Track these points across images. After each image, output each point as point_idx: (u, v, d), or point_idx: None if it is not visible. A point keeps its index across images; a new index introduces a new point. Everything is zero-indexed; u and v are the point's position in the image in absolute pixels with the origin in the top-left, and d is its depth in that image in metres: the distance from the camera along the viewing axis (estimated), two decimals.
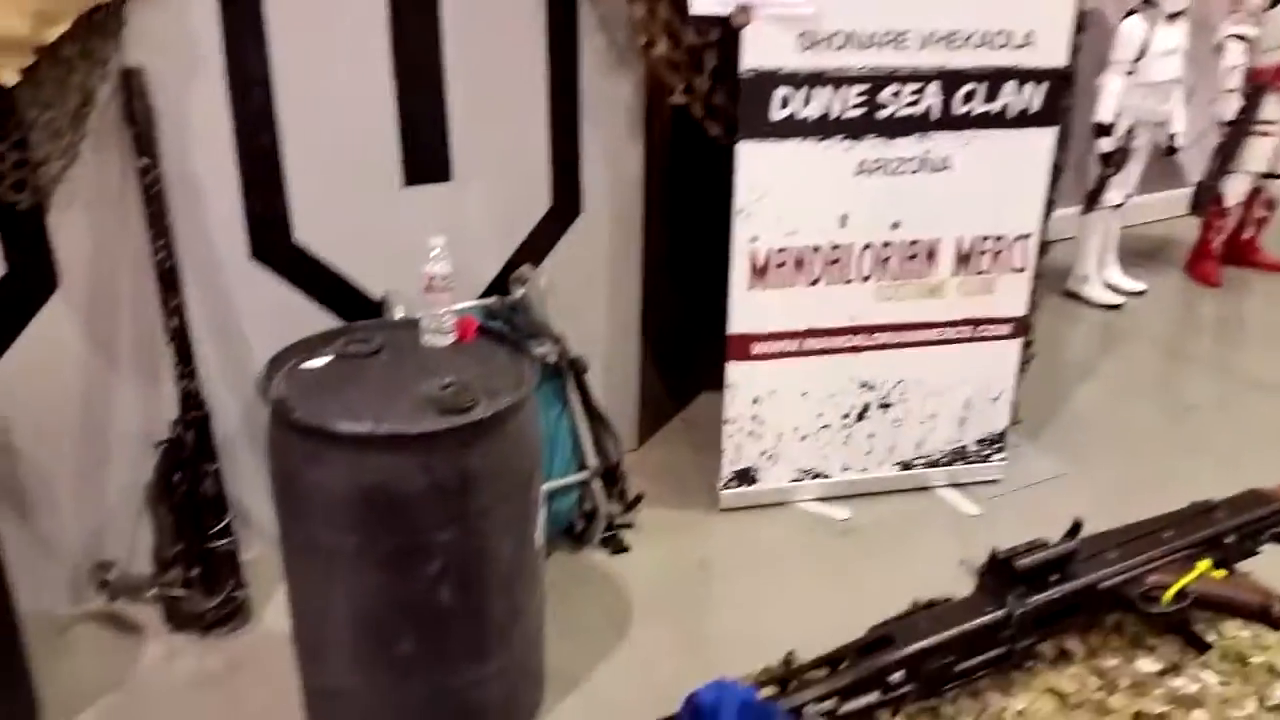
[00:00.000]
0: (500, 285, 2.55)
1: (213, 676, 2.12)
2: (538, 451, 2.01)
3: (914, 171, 2.52)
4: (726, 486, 2.71)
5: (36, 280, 2.06)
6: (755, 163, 2.41)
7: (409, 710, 1.77)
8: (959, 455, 2.82)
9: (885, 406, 2.72)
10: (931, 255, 2.60)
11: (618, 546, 2.55)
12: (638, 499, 2.67)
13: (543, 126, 2.52)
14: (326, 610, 1.80)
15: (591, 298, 2.76)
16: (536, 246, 2.63)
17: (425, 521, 1.73)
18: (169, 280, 2.09)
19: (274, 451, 1.80)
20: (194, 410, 2.17)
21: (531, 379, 1.89)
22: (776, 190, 2.45)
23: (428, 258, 1.93)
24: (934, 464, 2.81)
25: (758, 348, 2.58)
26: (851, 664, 1.18)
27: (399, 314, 2.32)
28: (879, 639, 1.21)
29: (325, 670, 1.86)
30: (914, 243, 2.58)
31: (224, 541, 2.20)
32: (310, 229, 2.32)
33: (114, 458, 2.25)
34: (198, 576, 2.19)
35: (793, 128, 2.40)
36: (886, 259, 2.58)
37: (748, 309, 2.53)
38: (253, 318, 2.30)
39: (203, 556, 2.19)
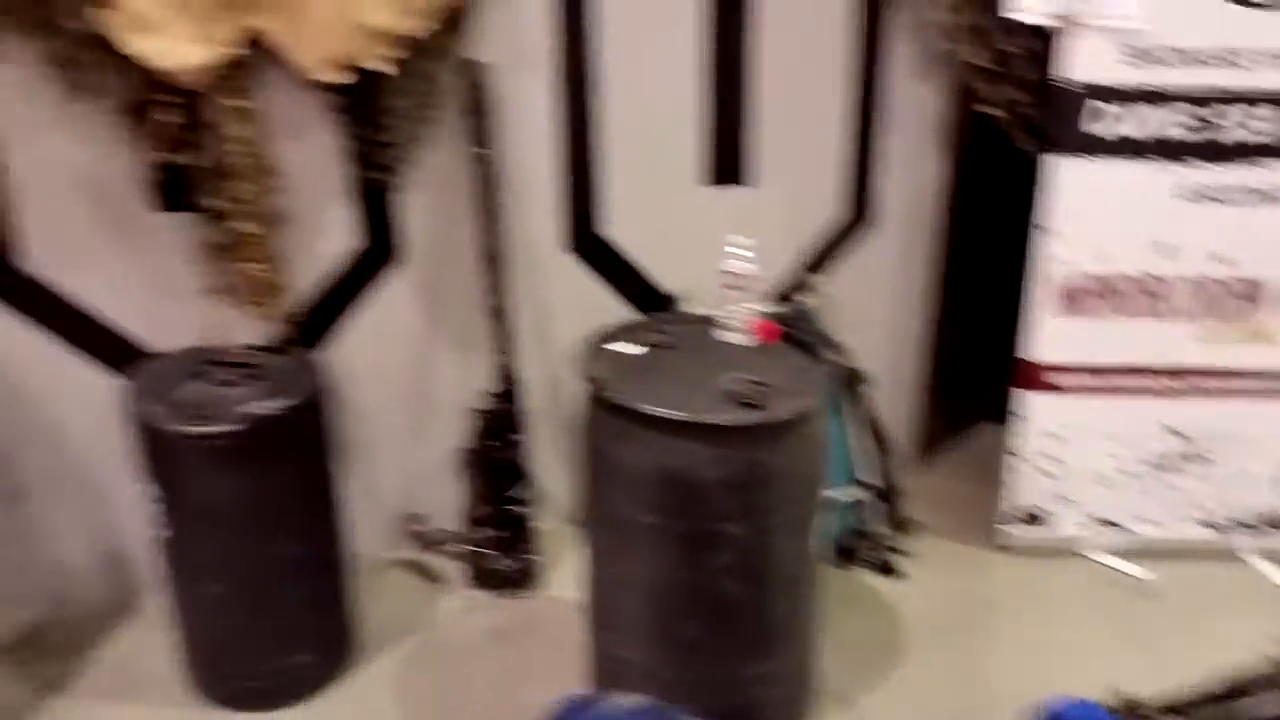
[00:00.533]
0: (785, 290, 2.57)
1: (505, 633, 2.27)
2: (825, 458, 2.01)
3: (1248, 203, 2.31)
4: (1010, 525, 2.58)
5: (384, 253, 2.29)
6: (1066, 180, 2.29)
7: (691, 691, 1.81)
8: (1276, 523, 2.55)
9: (1196, 459, 2.49)
10: (1263, 296, 2.37)
11: (890, 570, 2.49)
12: (911, 524, 2.60)
13: (839, 133, 2.52)
14: (621, 582, 1.89)
15: (875, 311, 2.72)
16: (824, 254, 2.62)
17: (717, 511, 1.78)
18: (494, 263, 2.26)
19: (587, 427, 1.90)
20: (507, 384, 2.33)
21: (825, 385, 1.90)
22: (1088, 211, 2.32)
23: (730, 256, 1.98)
24: (1247, 529, 2.56)
25: (1055, 379, 2.44)
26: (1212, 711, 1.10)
27: (693, 309, 2.39)
28: (1233, 689, 1.11)
29: (615, 639, 1.94)
30: (1243, 281, 2.37)
31: (523, 508, 2.35)
32: (614, 223, 2.44)
33: (433, 420, 2.46)
34: (498, 539, 2.35)
35: (1111, 146, 2.26)
36: (1210, 296, 2.37)
37: (1046, 336, 2.41)
38: (560, 302, 2.45)
39: (504, 520, 2.35)
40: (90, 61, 1.87)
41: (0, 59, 1.89)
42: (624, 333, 2.05)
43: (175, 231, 2.12)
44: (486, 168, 2.21)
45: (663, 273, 2.51)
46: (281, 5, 1.92)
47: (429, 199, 2.27)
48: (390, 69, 2.02)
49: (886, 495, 2.55)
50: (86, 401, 2.18)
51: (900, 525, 2.59)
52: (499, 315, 2.30)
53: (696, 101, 2.37)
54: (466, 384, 2.43)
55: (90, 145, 2.01)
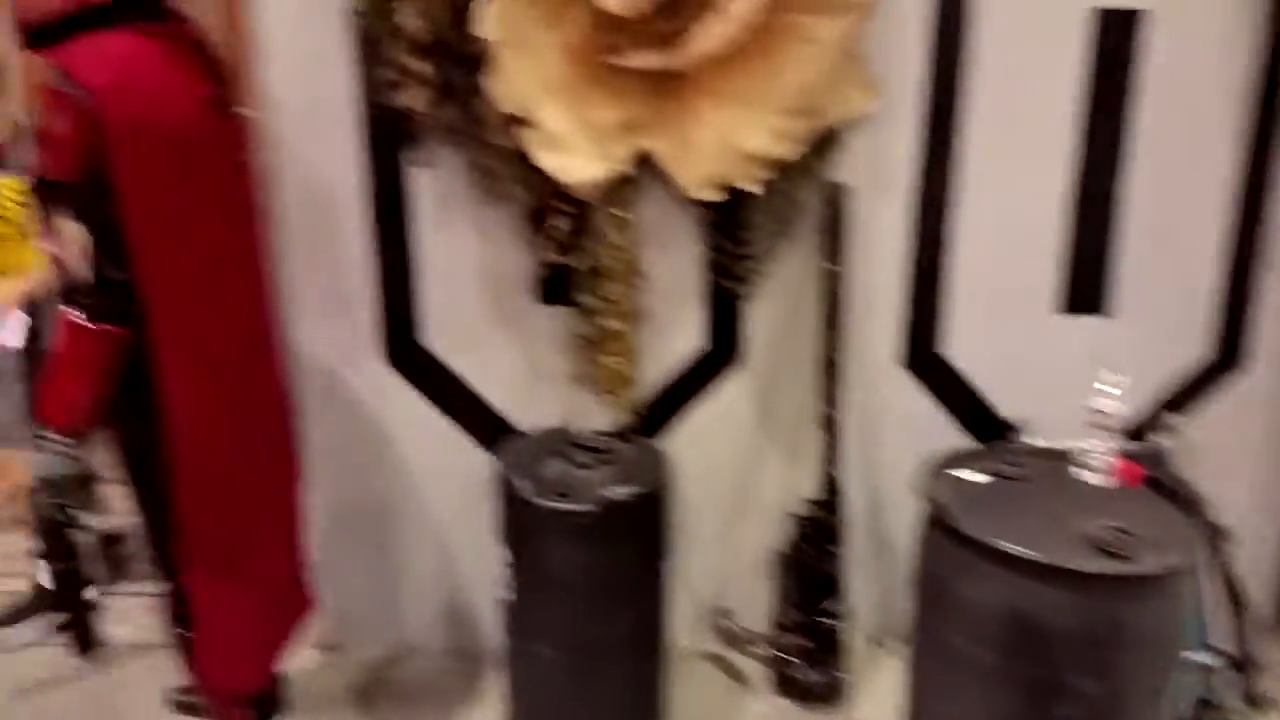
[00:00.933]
0: (1140, 429, 2.41)
1: None
2: (1187, 620, 1.85)
3: None
4: None
5: (725, 356, 2.41)
6: None
7: None
8: None
9: None
10: None
11: None
12: (1267, 701, 2.32)
13: (1212, 265, 2.36)
14: (948, 717, 1.82)
15: (1239, 461, 2.48)
16: (1184, 395, 2.44)
17: (1068, 662, 1.68)
18: (831, 373, 2.31)
19: (926, 552, 1.88)
20: (830, 494, 2.35)
21: (1196, 539, 1.76)
22: None
23: (1099, 393, 1.90)
24: None
25: None
26: None
27: (1038, 441, 2.30)
28: None
29: None
30: None
31: (835, 622, 2.34)
32: (955, 343, 2.41)
33: (751, 520, 2.52)
34: (806, 648, 2.35)
35: None
36: None
37: None
38: (890, 418, 2.45)
39: (813, 630, 2.35)
40: (505, 173, 2.14)
41: (431, 165, 2.20)
42: (969, 459, 2.01)
43: (550, 323, 2.34)
44: (835, 282, 2.27)
45: (1002, 399, 2.44)
46: (672, 131, 2.10)
47: (775, 308, 2.37)
48: (758, 188, 2.14)
49: (1241, 665, 2.29)
50: (456, 466, 2.43)
51: (1254, 701, 2.31)
52: (829, 425, 2.33)
53: (1058, 226, 2.32)
54: (788, 488, 2.47)
55: (491, 242, 2.28)
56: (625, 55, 2.06)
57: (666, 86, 2.09)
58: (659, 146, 2.13)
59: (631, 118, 2.10)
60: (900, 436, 2.44)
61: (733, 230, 2.25)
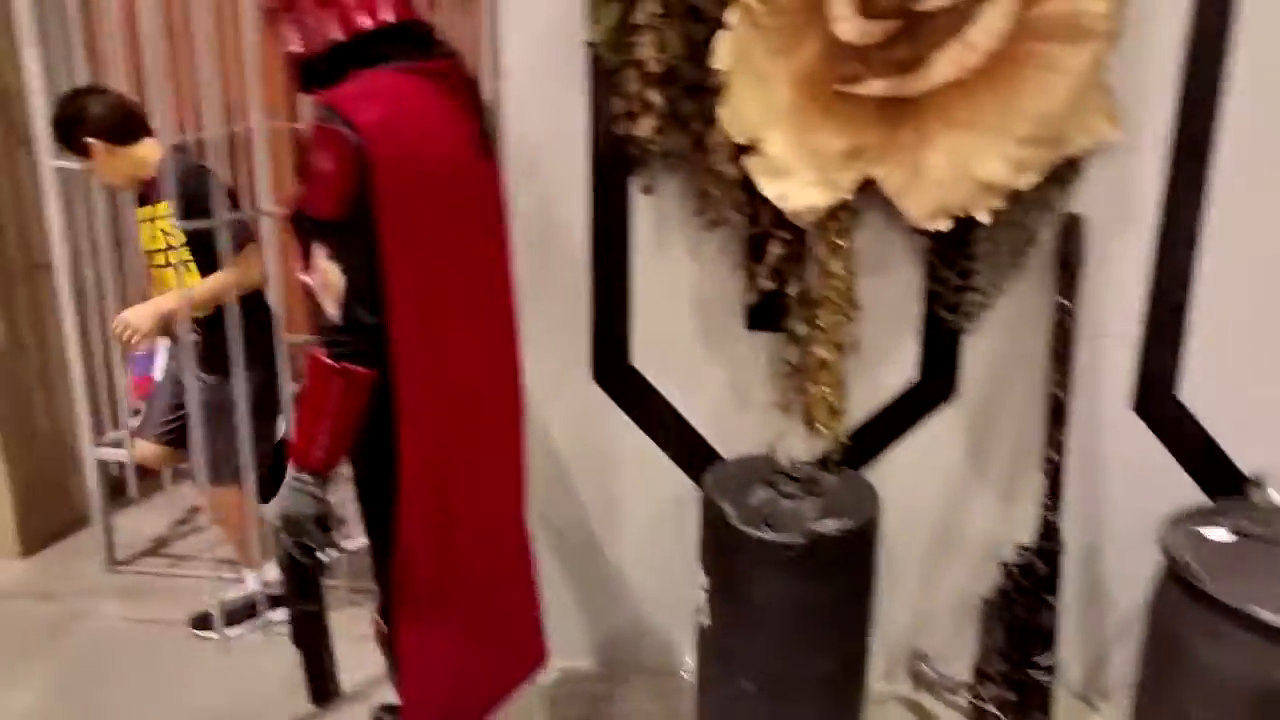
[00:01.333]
0: None
1: None
2: None
3: None
4: None
5: (938, 390, 2.33)
6: None
7: None
8: None
9: None
10: None
11: None
12: None
13: None
14: None
15: None
16: None
17: None
18: (1057, 414, 2.19)
19: (1162, 612, 1.76)
20: (1050, 541, 2.23)
21: None
22: None
23: None
24: None
25: None
26: None
27: (1273, 497, 2.12)
28: None
29: None
30: None
31: (1045, 676, 2.22)
32: (1194, 389, 2.25)
33: (956, 562, 2.43)
34: (1009, 701, 2.24)
35: None
36: None
37: None
38: (1117, 465, 2.30)
39: (1019, 683, 2.23)
40: (725, 199, 2.15)
41: (653, 192, 2.25)
42: (1211, 514, 1.87)
43: (757, 349, 2.34)
44: (1067, 319, 2.16)
45: (1241, 451, 2.25)
46: (902, 159, 2.06)
47: (996, 342, 2.27)
48: (989, 218, 2.07)
49: None
50: (658, 488, 2.46)
51: None
52: (1052, 468, 2.21)
53: None
54: (998, 532, 2.37)
55: (704, 268, 2.30)
56: (857, 83, 2.04)
57: (897, 113, 2.05)
58: (887, 174, 2.09)
59: (859, 145, 2.07)
60: (1125, 484, 2.30)
61: (957, 261, 2.18)
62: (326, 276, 1.58)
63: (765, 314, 2.30)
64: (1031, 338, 2.25)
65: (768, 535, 1.97)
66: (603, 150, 2.25)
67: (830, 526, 1.98)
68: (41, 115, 2.59)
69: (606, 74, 2.16)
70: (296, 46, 1.66)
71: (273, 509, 1.69)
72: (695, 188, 2.20)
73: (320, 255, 1.59)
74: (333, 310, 1.59)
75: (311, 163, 1.58)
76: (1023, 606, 2.27)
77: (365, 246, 1.59)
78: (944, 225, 2.09)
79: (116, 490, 3.20)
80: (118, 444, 2.99)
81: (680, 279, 2.32)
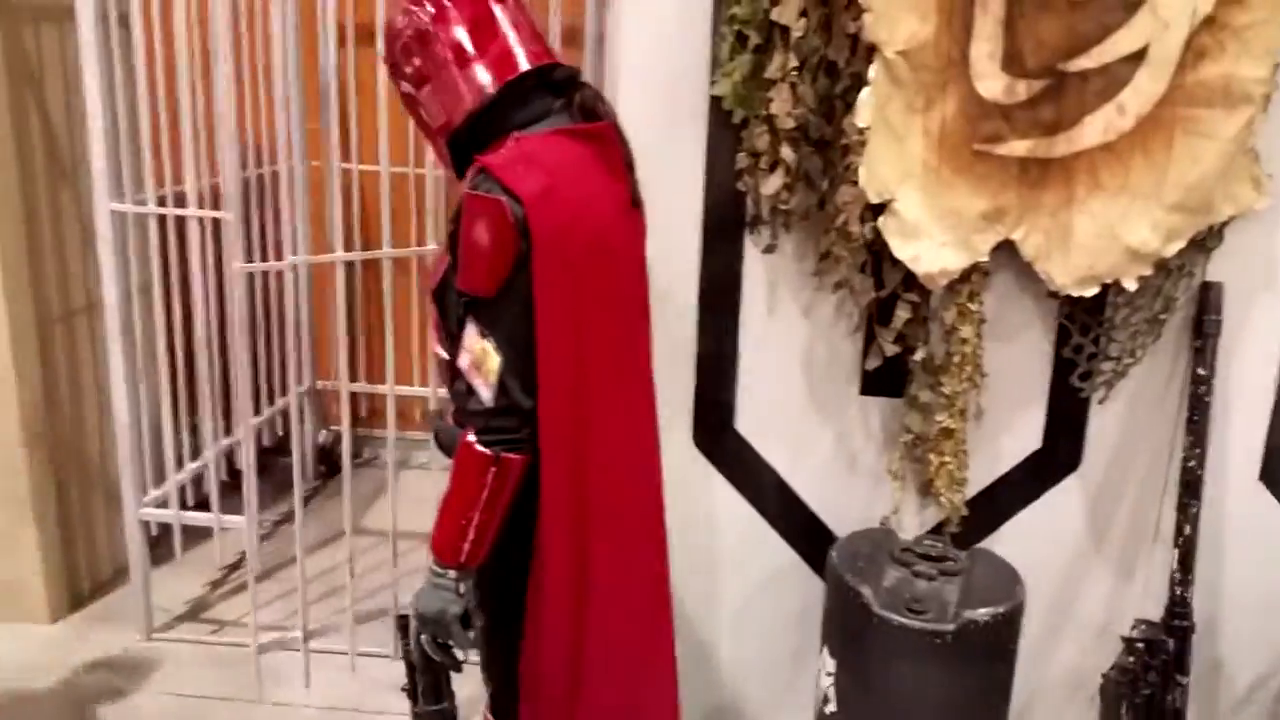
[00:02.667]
0: None
1: None
2: None
3: None
4: None
5: (1062, 459, 2.24)
6: None
7: None
8: None
9: None
10: None
11: None
12: None
13: None
14: None
15: None
16: None
17: None
18: (1192, 487, 2.10)
19: None
20: (1181, 617, 2.14)
21: None
22: None
23: None
24: None
25: None
26: None
27: None
28: None
29: None
30: None
31: None
32: None
33: (1067, 635, 2.32)
34: None
35: None
36: None
37: None
38: (1244, 539, 2.22)
39: None
40: (851, 261, 2.04)
41: (773, 252, 2.13)
42: None
43: (871, 416, 2.23)
44: (1202, 389, 2.08)
45: None
46: (1044, 222, 1.97)
47: (1123, 411, 2.18)
48: (1132, 285, 1.98)
49: None
50: (759, 558, 2.33)
51: None
52: (1185, 543, 2.12)
53: None
54: (1113, 605, 2.28)
55: (819, 331, 2.18)
56: (999, 143, 1.95)
57: (1039, 175, 1.96)
58: (1026, 237, 2.00)
59: (998, 207, 1.98)
60: (1252, 559, 2.22)
61: (1090, 328, 2.10)
62: (478, 355, 1.47)
63: (882, 379, 2.19)
64: (1158, 407, 2.17)
65: (914, 623, 1.85)
66: (718, 207, 2.13)
67: (982, 613, 1.86)
68: (100, 153, 2.42)
69: (729, 128, 2.05)
70: (441, 119, 1.55)
71: (411, 607, 1.56)
72: (817, 248, 2.09)
73: (472, 333, 1.48)
74: (485, 393, 1.47)
75: (466, 233, 1.47)
76: (1150, 685, 2.18)
77: (521, 323, 1.48)
78: (1090, 291, 2.00)
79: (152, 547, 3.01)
80: (163, 503, 2.80)
81: (792, 341, 2.21)
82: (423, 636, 1.57)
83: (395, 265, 2.55)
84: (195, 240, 2.75)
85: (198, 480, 3.05)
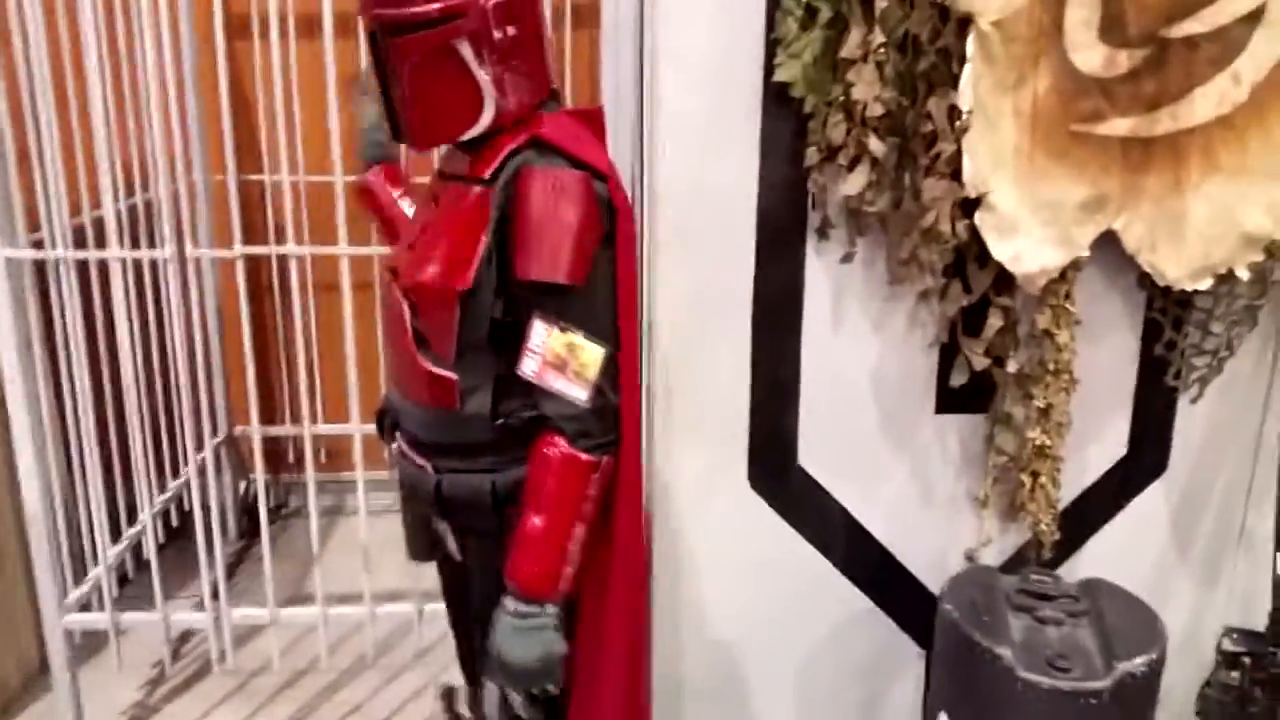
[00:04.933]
0: None
1: None
2: None
3: None
4: None
5: (1148, 466, 2.04)
6: None
7: None
8: None
9: None
10: None
11: None
12: None
13: None
14: None
15: None
16: None
17: None
18: None
19: None
20: None
21: None
22: None
23: None
24: None
25: None
26: None
27: None
28: None
29: None
30: None
31: None
32: None
33: None
34: None
35: None
36: None
37: None
38: None
39: None
40: (937, 265, 1.78)
41: (850, 261, 1.84)
42: None
43: (948, 436, 1.98)
44: None
45: None
46: (1149, 210, 1.75)
47: (1211, 408, 2.01)
48: (1245, 273, 1.79)
49: None
50: (823, 602, 2.05)
51: None
52: None
53: None
54: (1198, 614, 2.12)
55: (891, 345, 1.91)
56: (1099, 122, 1.71)
57: (1143, 156, 1.74)
58: (1128, 227, 1.77)
59: (1100, 194, 1.75)
60: None
61: (1185, 322, 1.90)
62: (562, 353, 1.27)
63: (960, 394, 1.94)
64: (1245, 400, 2.01)
65: (1065, 684, 1.61)
66: (775, 210, 1.82)
67: (1137, 663, 1.64)
68: None
69: (790, 118, 1.74)
70: (509, 104, 1.30)
71: (495, 665, 1.32)
72: (894, 253, 1.81)
73: (548, 329, 1.28)
74: (579, 392, 1.29)
75: (543, 214, 1.26)
76: (1258, 702, 2.02)
77: (608, 310, 1.34)
78: (1205, 284, 1.79)
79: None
80: (85, 606, 2.27)
81: (861, 360, 1.93)
82: (514, 695, 1.32)
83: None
84: (116, 283, 2.20)
85: (137, 549, 2.54)
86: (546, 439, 1.30)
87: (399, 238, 1.50)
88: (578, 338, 1.27)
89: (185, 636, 2.65)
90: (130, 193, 2.59)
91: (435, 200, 1.39)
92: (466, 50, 1.20)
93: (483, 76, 1.22)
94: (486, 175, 1.28)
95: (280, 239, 2.53)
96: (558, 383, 1.27)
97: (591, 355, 1.27)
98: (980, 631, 1.71)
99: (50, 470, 2.11)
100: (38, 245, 2.06)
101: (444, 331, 1.30)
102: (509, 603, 1.31)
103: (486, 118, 1.24)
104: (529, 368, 1.27)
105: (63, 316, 2.13)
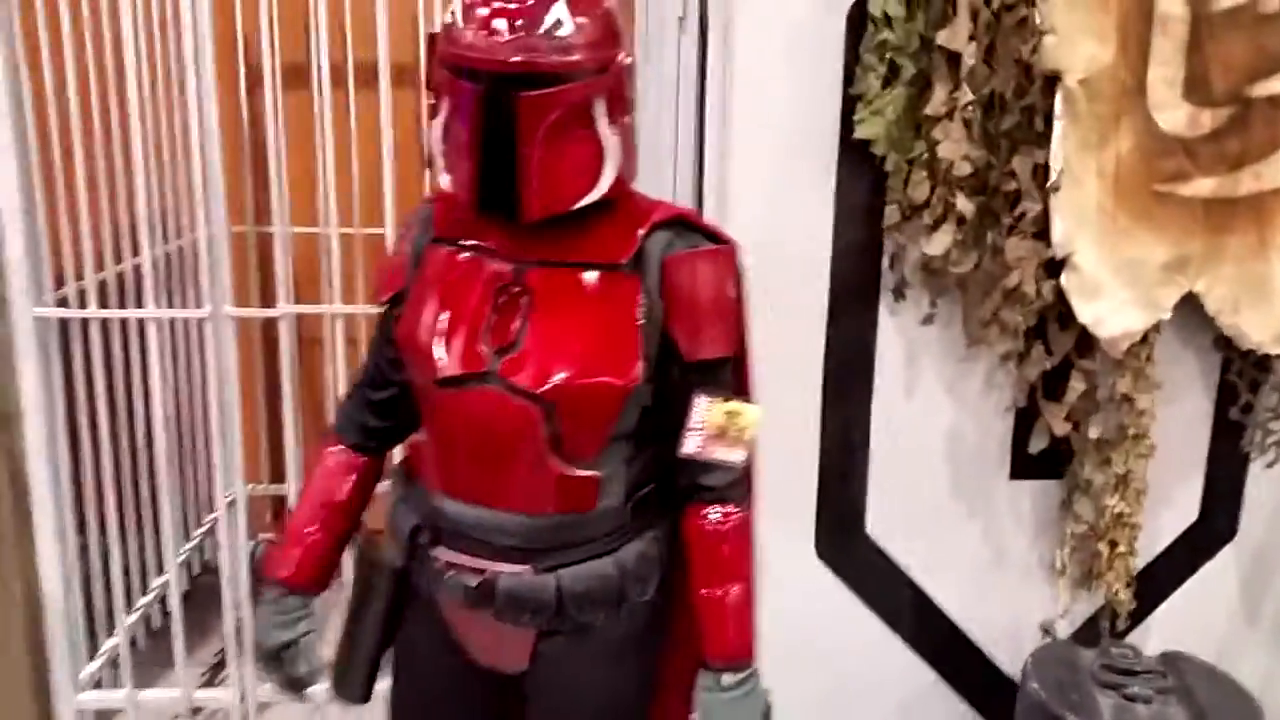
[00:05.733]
0: None
1: None
2: None
3: None
4: None
5: (1220, 529, 1.99)
6: None
7: None
8: None
9: None
10: None
11: None
12: None
13: None
14: None
15: None
16: None
17: None
18: None
19: None
20: None
21: None
22: None
23: None
24: None
25: None
26: None
27: None
28: None
29: None
30: None
31: None
32: None
33: None
34: None
35: None
36: None
37: None
38: None
39: None
40: (1019, 326, 1.72)
41: (931, 323, 1.78)
42: None
43: (1023, 503, 1.91)
44: None
45: None
46: (1231, 272, 1.71)
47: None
48: None
49: None
50: (889, 677, 1.96)
51: None
52: None
53: None
54: (1273, 686, 2.05)
55: (966, 409, 1.85)
56: (1182, 182, 1.68)
57: (1225, 217, 1.70)
58: (1210, 290, 1.73)
59: (1182, 255, 1.71)
60: None
61: (1261, 385, 1.86)
62: (722, 422, 1.21)
63: (1036, 460, 1.87)
64: None
65: None
66: (848, 269, 1.76)
67: None
68: (18, 246, 1.77)
69: (867, 175, 1.69)
70: (616, 172, 1.19)
71: None
72: (972, 314, 1.76)
73: (710, 401, 1.21)
74: (737, 455, 1.24)
75: (714, 292, 1.21)
76: None
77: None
78: None
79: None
80: (98, 683, 2.11)
81: (933, 424, 1.86)
82: None
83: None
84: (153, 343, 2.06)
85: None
86: (713, 509, 1.24)
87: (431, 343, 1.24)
88: (735, 403, 1.21)
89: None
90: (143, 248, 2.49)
91: (506, 288, 1.20)
92: (601, 109, 1.12)
93: (610, 139, 1.14)
94: (624, 260, 1.18)
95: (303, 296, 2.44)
96: (718, 452, 1.22)
97: (750, 417, 1.22)
98: (1072, 712, 1.63)
99: (70, 547, 1.97)
100: (61, 302, 1.93)
101: (593, 431, 1.19)
102: (723, 679, 1.23)
103: (605, 184, 1.15)
104: (692, 445, 1.21)
105: (87, 374, 2.00)
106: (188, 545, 2.69)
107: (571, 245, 1.18)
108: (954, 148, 1.59)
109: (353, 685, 1.34)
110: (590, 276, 1.17)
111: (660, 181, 1.81)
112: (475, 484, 1.20)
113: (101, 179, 2.12)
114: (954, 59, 1.58)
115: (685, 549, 1.25)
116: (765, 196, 1.73)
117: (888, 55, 1.60)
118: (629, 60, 1.16)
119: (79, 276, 1.99)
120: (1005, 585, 1.95)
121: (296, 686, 1.33)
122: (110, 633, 2.19)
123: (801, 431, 1.84)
